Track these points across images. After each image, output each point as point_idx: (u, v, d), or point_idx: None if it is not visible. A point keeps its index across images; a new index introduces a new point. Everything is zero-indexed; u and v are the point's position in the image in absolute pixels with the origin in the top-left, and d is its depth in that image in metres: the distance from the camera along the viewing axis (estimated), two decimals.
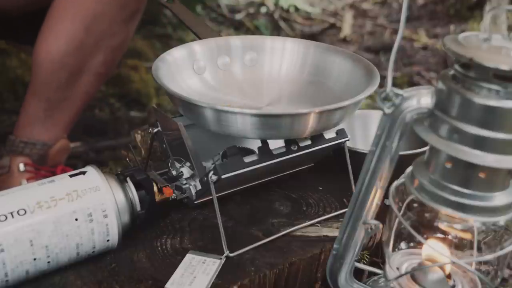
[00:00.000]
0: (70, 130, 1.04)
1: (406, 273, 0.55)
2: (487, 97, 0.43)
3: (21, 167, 0.96)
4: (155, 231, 0.66)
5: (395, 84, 0.46)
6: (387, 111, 0.47)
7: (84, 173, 0.60)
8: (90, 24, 0.93)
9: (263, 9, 2.79)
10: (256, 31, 2.50)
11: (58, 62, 0.95)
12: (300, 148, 0.67)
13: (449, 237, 0.53)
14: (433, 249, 0.52)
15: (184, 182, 0.67)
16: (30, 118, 0.98)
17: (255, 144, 0.68)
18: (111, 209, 0.58)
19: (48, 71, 0.96)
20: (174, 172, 0.67)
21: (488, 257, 0.52)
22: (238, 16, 2.64)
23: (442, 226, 0.52)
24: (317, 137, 0.69)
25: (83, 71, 0.98)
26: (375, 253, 0.71)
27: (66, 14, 0.94)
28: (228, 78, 0.79)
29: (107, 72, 1.05)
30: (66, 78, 0.96)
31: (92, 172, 0.60)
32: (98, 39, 0.96)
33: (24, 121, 0.99)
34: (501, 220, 0.47)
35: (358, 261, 0.56)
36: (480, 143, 0.43)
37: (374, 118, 0.86)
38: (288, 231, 0.67)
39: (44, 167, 0.98)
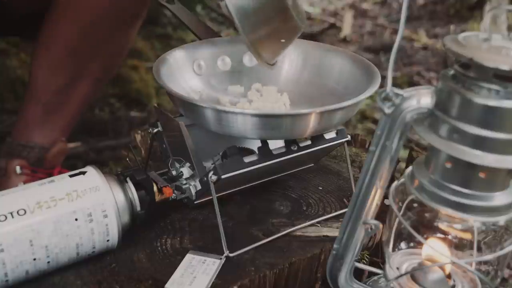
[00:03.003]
0: (69, 133, 1.03)
1: (406, 273, 0.55)
2: (487, 97, 0.42)
3: (18, 169, 0.95)
4: (155, 231, 0.66)
5: (395, 84, 0.46)
6: (387, 111, 0.47)
7: (84, 173, 0.60)
8: (88, 28, 0.92)
9: None
10: None
11: (56, 66, 0.94)
12: (300, 148, 0.67)
13: (449, 237, 0.53)
14: (433, 249, 0.52)
15: (184, 182, 0.67)
16: (27, 122, 0.98)
17: (255, 144, 0.68)
18: (111, 209, 0.58)
19: (46, 75, 0.95)
20: (174, 172, 0.67)
21: (488, 257, 0.52)
22: None
23: (442, 226, 0.52)
24: (317, 137, 0.69)
25: (82, 75, 0.97)
26: (375, 253, 0.71)
27: (64, 18, 0.93)
28: (228, 78, 0.79)
29: (106, 77, 1.05)
30: (64, 83, 0.96)
31: (92, 172, 0.60)
32: (97, 44, 0.95)
33: (21, 124, 0.99)
34: (501, 220, 0.47)
35: (358, 261, 0.56)
36: (480, 143, 0.43)
37: None
38: (288, 231, 0.67)
39: (41, 169, 0.98)
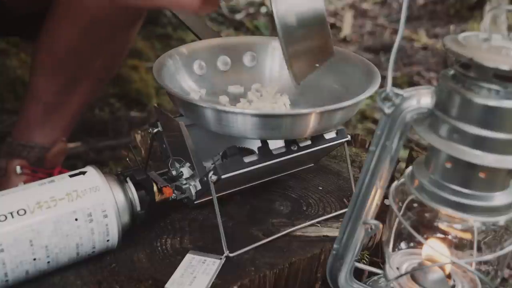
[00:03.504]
0: (69, 133, 1.03)
1: (406, 273, 0.55)
2: (487, 97, 0.42)
3: (18, 169, 0.95)
4: (155, 231, 0.66)
5: (395, 84, 0.46)
6: (387, 111, 0.47)
7: (84, 173, 0.60)
8: (89, 28, 0.92)
9: (263, 9, 2.79)
10: (256, 31, 2.50)
11: (56, 66, 0.94)
12: (300, 148, 0.67)
13: (449, 237, 0.53)
14: (433, 249, 0.52)
15: (184, 182, 0.67)
16: (28, 121, 0.98)
17: (255, 144, 0.68)
18: (111, 209, 0.58)
19: (47, 75, 0.95)
20: (174, 172, 0.67)
21: (488, 257, 0.52)
22: (238, 16, 2.64)
23: (442, 226, 0.52)
24: (317, 137, 0.69)
25: (82, 75, 0.97)
26: (375, 253, 0.71)
27: (65, 18, 0.93)
28: (228, 78, 0.79)
29: (107, 76, 1.05)
30: (65, 83, 0.96)
31: (92, 172, 0.60)
32: (98, 43, 0.95)
33: (22, 124, 0.98)
34: (501, 220, 0.47)
35: (358, 261, 0.56)
36: (480, 143, 0.43)
37: None
38: (288, 231, 0.67)
39: (41, 169, 0.98)
